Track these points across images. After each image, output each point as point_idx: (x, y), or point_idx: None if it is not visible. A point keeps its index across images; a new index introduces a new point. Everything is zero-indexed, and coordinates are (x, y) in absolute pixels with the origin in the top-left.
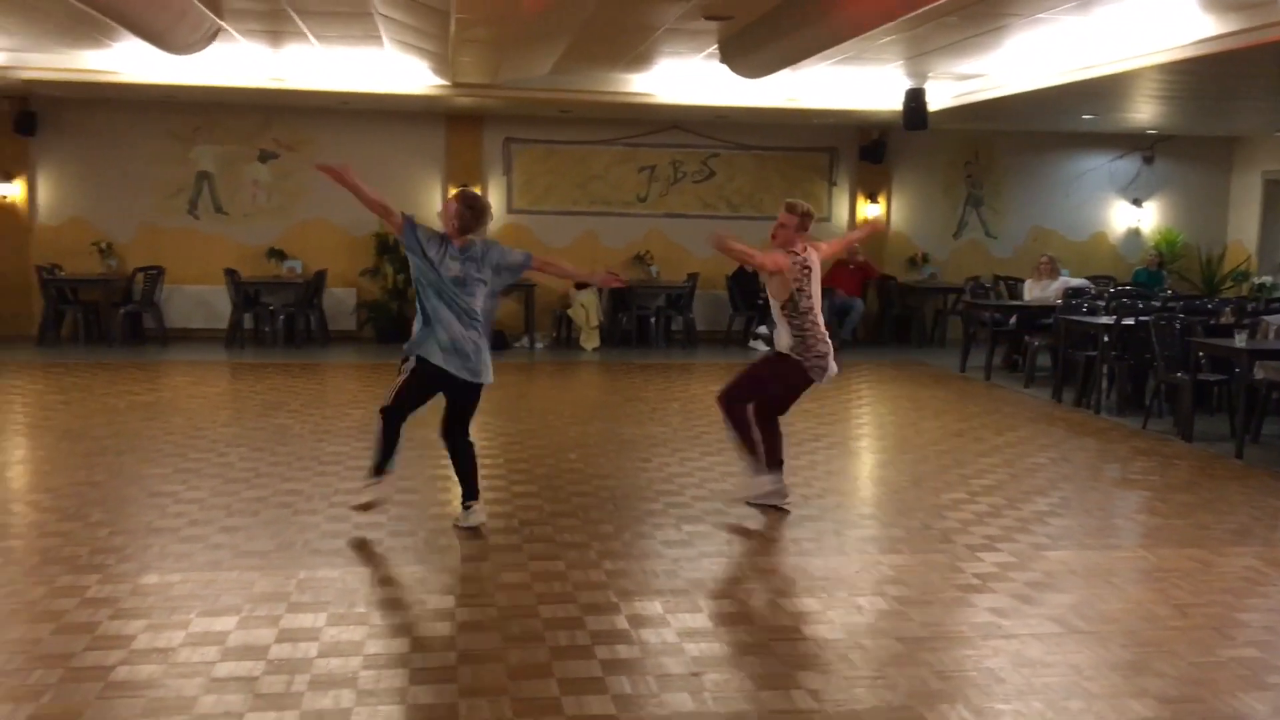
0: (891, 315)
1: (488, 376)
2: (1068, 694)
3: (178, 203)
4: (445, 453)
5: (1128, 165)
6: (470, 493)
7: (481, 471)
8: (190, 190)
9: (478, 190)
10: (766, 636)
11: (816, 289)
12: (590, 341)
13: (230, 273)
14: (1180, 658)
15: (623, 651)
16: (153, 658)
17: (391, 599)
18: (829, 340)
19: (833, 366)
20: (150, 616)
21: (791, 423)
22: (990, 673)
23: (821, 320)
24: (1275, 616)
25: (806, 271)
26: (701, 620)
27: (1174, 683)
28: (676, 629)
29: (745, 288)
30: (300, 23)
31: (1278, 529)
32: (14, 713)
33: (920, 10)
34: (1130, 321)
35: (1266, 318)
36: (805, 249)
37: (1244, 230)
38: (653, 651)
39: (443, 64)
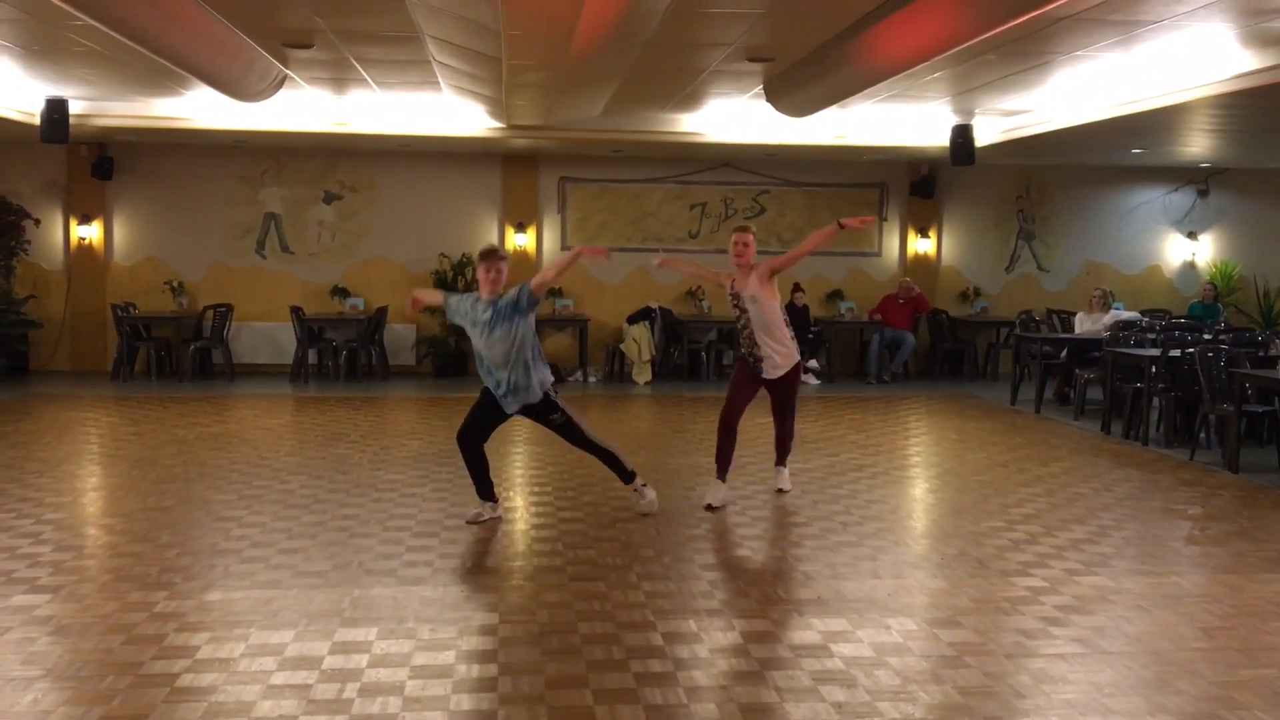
0: (943, 349)
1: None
2: (1086, 710)
3: (246, 243)
4: (496, 480)
5: (1182, 198)
6: (625, 477)
7: (530, 498)
8: (258, 230)
9: (532, 228)
10: (795, 653)
11: (754, 311)
12: (642, 375)
13: (295, 310)
14: (1202, 677)
15: (655, 666)
16: (214, 667)
17: (438, 615)
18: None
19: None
20: (213, 630)
21: (837, 453)
22: (1012, 689)
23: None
24: None
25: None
26: (733, 638)
27: (1193, 700)
28: (709, 646)
29: (796, 321)
30: (362, 71)
31: None
32: (86, 714)
33: (953, 50)
34: (1176, 353)
35: None
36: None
37: None
38: (684, 666)
39: (498, 107)
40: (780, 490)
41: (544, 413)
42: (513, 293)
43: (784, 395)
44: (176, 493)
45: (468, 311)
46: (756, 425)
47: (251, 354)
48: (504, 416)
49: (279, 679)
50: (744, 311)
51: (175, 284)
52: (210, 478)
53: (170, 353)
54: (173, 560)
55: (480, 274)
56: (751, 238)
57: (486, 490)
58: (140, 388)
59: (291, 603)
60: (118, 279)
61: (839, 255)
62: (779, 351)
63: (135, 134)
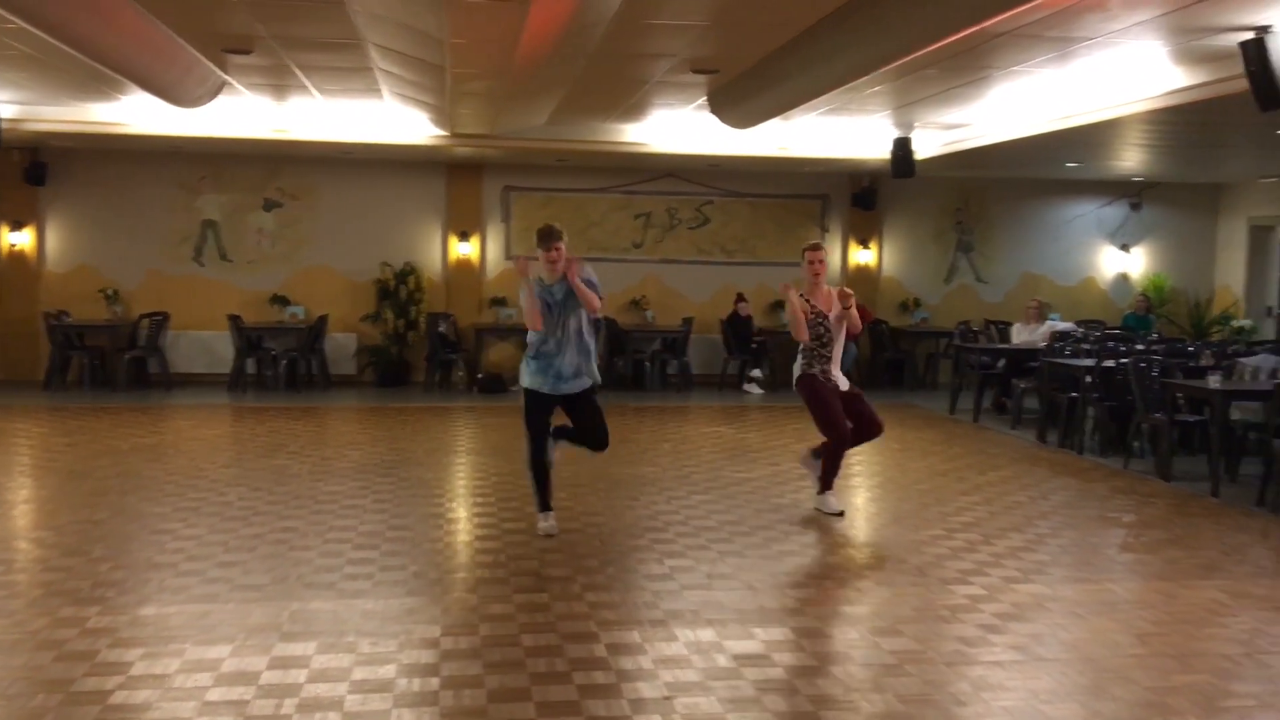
0: (884, 359)
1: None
2: (1024, 717)
3: (183, 250)
4: (439, 491)
5: (1115, 211)
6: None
7: (473, 509)
8: (195, 238)
9: (476, 237)
10: (739, 664)
11: (836, 331)
12: None
13: (234, 318)
14: (1136, 684)
15: (599, 677)
16: (149, 683)
17: (379, 629)
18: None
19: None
20: (147, 645)
21: (779, 462)
22: (952, 697)
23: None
24: (1233, 645)
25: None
26: (677, 648)
27: (1127, 706)
28: (653, 656)
29: (739, 332)
30: (303, 77)
31: (1244, 563)
32: None
33: (895, 64)
34: (1111, 364)
35: (1242, 359)
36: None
37: (1231, 275)
38: (628, 677)
39: (442, 115)
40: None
41: (590, 395)
42: (587, 269)
43: (861, 402)
44: (110, 505)
45: (543, 293)
46: (700, 435)
47: (188, 363)
48: (553, 406)
49: (215, 695)
50: (827, 330)
51: (110, 292)
52: (145, 490)
53: (104, 362)
54: (106, 574)
55: (541, 257)
56: (824, 254)
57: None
58: (73, 398)
59: (228, 617)
60: (50, 287)
61: (781, 266)
62: (838, 371)
63: (69, 139)
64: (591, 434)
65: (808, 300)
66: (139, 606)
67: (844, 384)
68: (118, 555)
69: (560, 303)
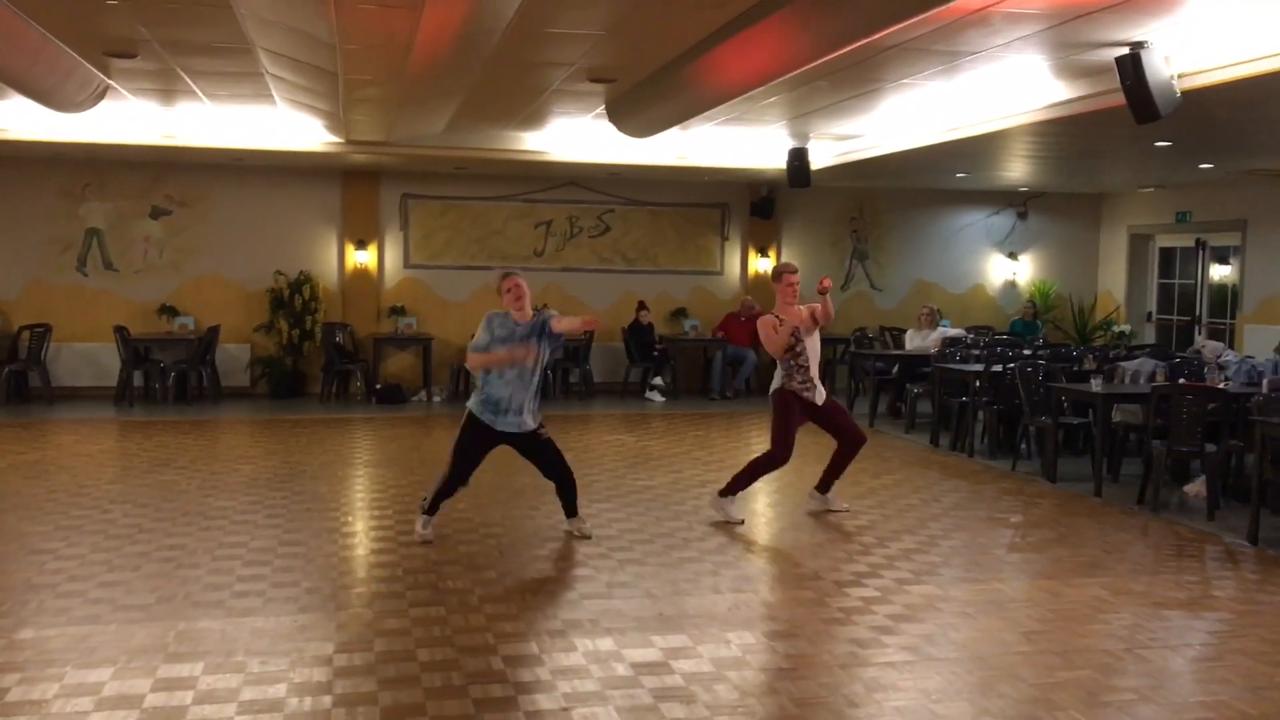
0: None
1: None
2: (914, 716)
3: (66, 259)
4: (335, 505)
5: (1003, 220)
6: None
7: (370, 523)
8: (79, 247)
9: (373, 245)
10: (636, 671)
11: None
12: None
13: (120, 330)
14: (1023, 680)
15: (496, 690)
16: (25, 709)
17: (270, 647)
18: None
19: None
20: (24, 670)
21: (680, 469)
22: (845, 699)
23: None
24: (1114, 641)
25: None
26: (575, 658)
27: (1014, 703)
28: (551, 667)
29: (641, 340)
30: (190, 82)
31: (1125, 561)
32: None
33: (786, 76)
34: (999, 369)
35: (1123, 364)
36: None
37: (1113, 281)
38: (526, 689)
39: (336, 122)
40: (839, 510)
41: (534, 431)
42: (539, 318)
43: (840, 415)
44: None
45: (510, 332)
46: (602, 443)
47: (72, 377)
48: (493, 444)
49: None
50: (799, 340)
51: None
52: (25, 508)
53: None
54: None
55: (508, 301)
56: (797, 276)
57: (436, 506)
58: None
59: (111, 639)
60: None
61: (683, 274)
62: (818, 381)
63: None
64: (555, 472)
65: (778, 317)
66: (16, 630)
67: (821, 396)
68: None
69: (524, 338)
